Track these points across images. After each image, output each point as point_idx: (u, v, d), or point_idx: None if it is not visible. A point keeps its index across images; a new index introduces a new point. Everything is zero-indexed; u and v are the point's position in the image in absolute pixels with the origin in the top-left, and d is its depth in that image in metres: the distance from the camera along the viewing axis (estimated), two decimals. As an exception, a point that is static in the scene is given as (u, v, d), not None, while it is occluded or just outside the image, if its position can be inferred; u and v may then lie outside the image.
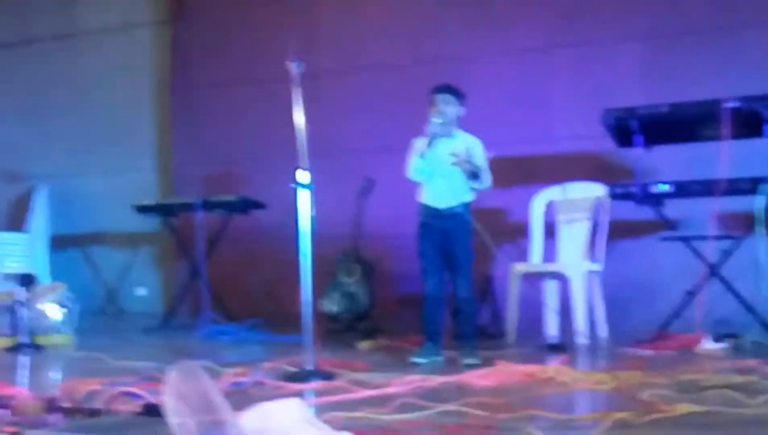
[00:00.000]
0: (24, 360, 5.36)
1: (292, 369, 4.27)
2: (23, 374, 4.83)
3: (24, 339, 5.73)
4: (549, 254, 6.14)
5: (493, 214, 6.70)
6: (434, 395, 3.50)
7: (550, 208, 6.20)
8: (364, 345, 5.52)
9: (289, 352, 4.74)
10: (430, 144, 4.79)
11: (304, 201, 4.24)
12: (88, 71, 9.18)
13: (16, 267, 8.34)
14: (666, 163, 6.14)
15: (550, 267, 5.91)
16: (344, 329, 6.32)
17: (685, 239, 5.51)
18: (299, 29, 7.75)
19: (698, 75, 6.43)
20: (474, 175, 4.81)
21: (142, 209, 7.49)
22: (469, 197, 4.94)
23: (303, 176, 4.23)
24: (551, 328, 5.90)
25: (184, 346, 6.03)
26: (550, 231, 6.18)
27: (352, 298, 6.43)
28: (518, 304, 5.82)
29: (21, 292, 5.84)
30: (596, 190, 5.97)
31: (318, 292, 5.59)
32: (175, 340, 6.36)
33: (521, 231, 6.45)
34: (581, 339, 5.52)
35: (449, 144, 4.91)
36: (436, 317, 4.90)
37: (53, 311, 6.09)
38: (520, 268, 5.86)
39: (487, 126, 6.12)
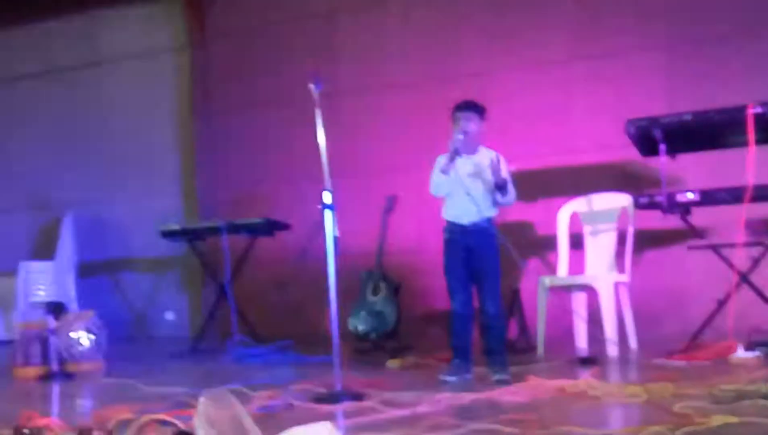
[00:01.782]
0: (55, 388, 5.39)
1: (322, 390, 4.27)
2: (55, 403, 4.85)
3: (55, 367, 5.77)
4: (576, 266, 6.10)
5: (519, 228, 6.68)
6: (465, 413, 3.48)
7: (575, 220, 6.16)
8: (392, 363, 5.49)
9: (317, 373, 4.74)
10: (452, 160, 4.79)
11: (328, 221, 4.24)
12: (112, 98, 9.28)
13: (44, 295, 8.45)
14: (691, 171, 6.10)
15: (578, 279, 5.87)
16: (372, 348, 6.31)
17: (714, 247, 5.45)
18: (319, 50, 7.80)
19: (721, 81, 6.39)
20: (501, 186, 4.80)
21: (168, 234, 7.52)
22: (492, 212, 4.92)
23: (327, 197, 4.23)
24: (581, 341, 5.86)
25: (214, 369, 6.04)
26: (577, 243, 6.14)
27: (379, 316, 6.41)
28: (547, 317, 5.78)
29: (51, 321, 5.87)
30: (621, 200, 5.93)
31: (344, 311, 5.60)
32: (204, 364, 6.37)
33: (548, 244, 6.42)
34: (612, 351, 5.47)
35: (472, 160, 4.90)
36: (464, 334, 4.88)
37: (83, 339, 6.13)
38: (547, 281, 5.82)
39: (509, 139, 6.13)
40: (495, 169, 4.75)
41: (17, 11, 9.29)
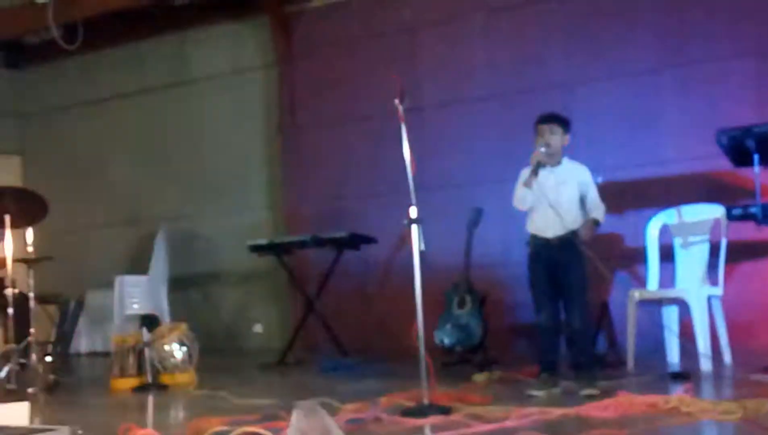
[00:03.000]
0: (150, 400, 5.54)
1: (409, 404, 4.28)
2: (150, 414, 4.99)
3: (149, 379, 5.93)
4: (667, 279, 5.98)
5: (606, 240, 6.58)
6: (554, 428, 3.45)
7: (665, 232, 6.04)
8: (479, 377, 5.47)
9: (404, 386, 4.75)
10: (534, 173, 4.77)
11: (414, 236, 4.26)
12: (201, 116, 9.51)
13: (138, 308, 8.71)
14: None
15: (669, 293, 5.75)
16: (458, 361, 6.30)
17: (812, 259, 5.28)
18: (402, 65, 7.84)
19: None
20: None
21: (256, 248, 7.65)
22: (577, 224, 4.87)
23: (413, 211, 4.26)
24: (672, 356, 5.73)
25: (301, 382, 6.12)
26: (667, 255, 6.02)
27: (464, 329, 6.40)
28: (637, 331, 5.67)
29: (145, 334, 6.04)
30: (714, 211, 5.79)
31: (430, 324, 5.60)
32: (292, 377, 6.46)
33: (637, 256, 6.31)
34: (705, 366, 5.34)
35: (555, 173, 4.87)
36: (551, 348, 4.84)
37: (176, 351, 6.28)
38: (637, 294, 5.72)
39: (596, 151, 6.07)
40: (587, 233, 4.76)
41: (111, 34, 9.61)
